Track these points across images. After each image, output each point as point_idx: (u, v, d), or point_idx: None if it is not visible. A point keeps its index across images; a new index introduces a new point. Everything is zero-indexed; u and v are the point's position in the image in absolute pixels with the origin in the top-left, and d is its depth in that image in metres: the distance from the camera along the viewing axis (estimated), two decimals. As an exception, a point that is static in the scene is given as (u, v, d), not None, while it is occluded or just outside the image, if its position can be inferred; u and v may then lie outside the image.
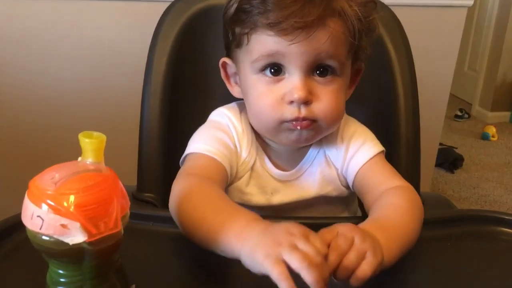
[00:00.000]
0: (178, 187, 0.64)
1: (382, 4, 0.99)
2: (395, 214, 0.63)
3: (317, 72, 0.69)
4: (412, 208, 0.65)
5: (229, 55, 0.77)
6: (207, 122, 0.79)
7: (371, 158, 0.75)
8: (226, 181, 0.72)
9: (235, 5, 0.70)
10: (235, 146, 0.75)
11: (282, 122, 0.69)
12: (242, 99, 0.77)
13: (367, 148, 0.76)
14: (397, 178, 0.73)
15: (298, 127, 0.68)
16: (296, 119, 0.68)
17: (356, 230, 0.53)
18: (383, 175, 0.74)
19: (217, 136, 0.74)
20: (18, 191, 0.49)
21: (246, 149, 0.75)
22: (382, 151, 0.77)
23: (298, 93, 0.67)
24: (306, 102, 0.68)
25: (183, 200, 0.60)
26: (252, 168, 0.76)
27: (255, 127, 0.76)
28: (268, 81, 0.69)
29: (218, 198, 0.61)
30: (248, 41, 0.70)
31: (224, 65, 0.78)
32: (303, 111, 0.68)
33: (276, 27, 0.65)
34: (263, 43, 0.68)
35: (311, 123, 0.69)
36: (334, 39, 0.67)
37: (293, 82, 0.68)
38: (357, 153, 0.76)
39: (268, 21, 0.65)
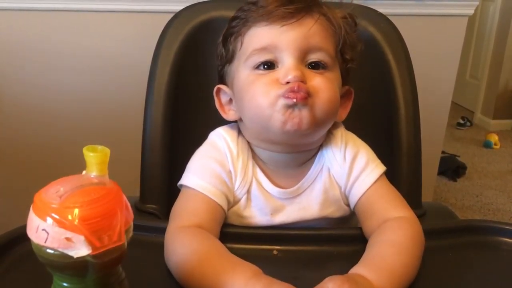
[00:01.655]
0: (175, 246, 0.64)
1: (382, 15, 1.00)
2: (393, 253, 0.63)
3: (309, 67, 0.71)
4: (412, 244, 0.65)
5: (222, 81, 0.79)
6: (205, 144, 0.78)
7: (375, 182, 0.75)
8: (223, 218, 0.72)
9: (228, 24, 0.77)
10: (229, 172, 0.74)
11: (277, 97, 0.68)
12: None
13: (370, 170, 0.76)
14: (400, 207, 0.72)
15: (295, 100, 0.67)
16: (291, 90, 0.67)
17: (346, 286, 0.53)
18: (387, 203, 0.73)
19: (212, 169, 0.74)
20: (24, 202, 0.49)
21: (240, 173, 0.75)
22: (385, 171, 0.77)
23: (292, 74, 0.68)
24: (301, 81, 0.68)
25: (181, 261, 0.61)
26: (248, 191, 0.75)
27: (251, 123, 0.74)
28: (262, 73, 0.71)
29: (217, 254, 0.62)
30: (241, 43, 0.73)
31: (218, 92, 0.79)
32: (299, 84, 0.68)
33: (267, 16, 0.71)
34: (255, 36, 0.72)
35: (307, 96, 0.68)
36: (322, 29, 0.72)
37: (286, 67, 0.69)
38: (361, 175, 0.76)
39: (260, 14, 0.71)
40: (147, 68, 0.96)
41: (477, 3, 1.76)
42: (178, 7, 1.00)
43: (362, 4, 0.97)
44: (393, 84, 0.94)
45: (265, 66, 0.71)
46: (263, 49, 0.70)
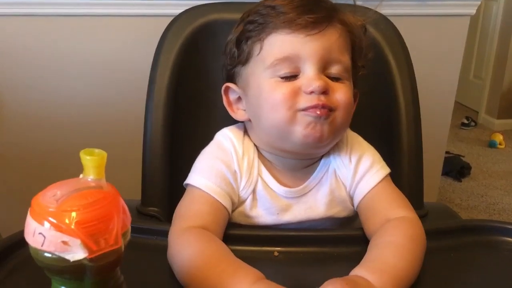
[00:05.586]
0: (180, 246, 0.64)
1: (382, 15, 0.99)
2: (394, 254, 0.63)
3: (328, 78, 0.72)
4: (413, 245, 0.65)
5: (231, 80, 0.79)
6: (211, 145, 0.79)
7: (379, 183, 0.75)
8: (226, 220, 0.72)
9: (241, 24, 0.75)
10: (235, 172, 0.74)
11: (297, 111, 0.69)
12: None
13: (375, 171, 0.76)
14: (402, 208, 0.72)
15: (318, 112, 0.68)
16: (316, 106, 0.68)
17: None
18: (390, 203, 0.74)
19: (218, 169, 0.74)
20: (24, 206, 0.49)
21: (246, 173, 0.75)
22: (389, 173, 0.77)
23: (316, 83, 0.68)
24: (325, 92, 0.69)
25: (186, 262, 0.61)
26: (254, 191, 0.75)
27: (266, 132, 0.74)
28: (283, 81, 0.71)
29: (222, 257, 0.62)
30: (261, 48, 0.72)
31: (227, 91, 0.79)
32: (323, 99, 0.69)
33: (290, 23, 0.70)
34: (278, 45, 0.71)
35: (329, 112, 0.69)
36: (342, 41, 0.73)
37: (309, 76, 0.70)
38: (365, 176, 0.76)
39: (283, 21, 0.70)
40: (147, 72, 0.96)
41: (479, 2, 1.75)
42: (177, 10, 0.99)
43: (363, 5, 0.96)
44: (394, 85, 0.94)
45: (287, 76, 0.71)
46: (286, 59, 0.70)
